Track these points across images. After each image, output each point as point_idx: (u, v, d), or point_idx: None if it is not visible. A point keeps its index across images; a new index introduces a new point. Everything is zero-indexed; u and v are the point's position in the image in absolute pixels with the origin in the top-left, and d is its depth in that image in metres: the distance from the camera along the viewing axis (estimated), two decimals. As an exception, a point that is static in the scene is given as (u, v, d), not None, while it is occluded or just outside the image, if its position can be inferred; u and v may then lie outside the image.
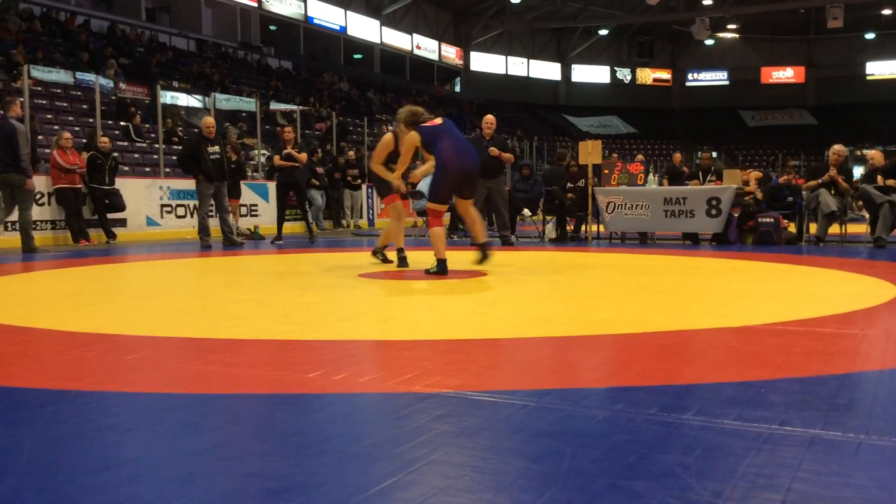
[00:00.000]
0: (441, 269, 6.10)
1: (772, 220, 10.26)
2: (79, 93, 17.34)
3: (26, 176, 9.49)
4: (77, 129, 15.06)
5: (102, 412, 2.31)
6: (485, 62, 45.19)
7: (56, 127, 14.75)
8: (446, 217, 13.61)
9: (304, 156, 11.55)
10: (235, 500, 1.61)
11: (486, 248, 6.61)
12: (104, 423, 2.18)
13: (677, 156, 16.45)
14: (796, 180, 14.13)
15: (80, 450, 1.95)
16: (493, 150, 10.08)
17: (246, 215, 14.70)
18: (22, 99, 11.03)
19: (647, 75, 48.88)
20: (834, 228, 10.52)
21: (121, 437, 2.06)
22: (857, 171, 16.43)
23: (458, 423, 2.15)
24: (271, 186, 14.19)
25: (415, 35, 40.46)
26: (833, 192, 10.11)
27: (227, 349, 3.25)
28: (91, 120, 14.74)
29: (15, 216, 10.07)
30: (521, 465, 1.83)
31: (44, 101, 16.22)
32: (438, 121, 6.49)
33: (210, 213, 11.17)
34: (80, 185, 11.57)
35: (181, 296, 5.29)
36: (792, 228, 10.97)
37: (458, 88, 44.49)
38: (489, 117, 10.47)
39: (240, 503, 1.60)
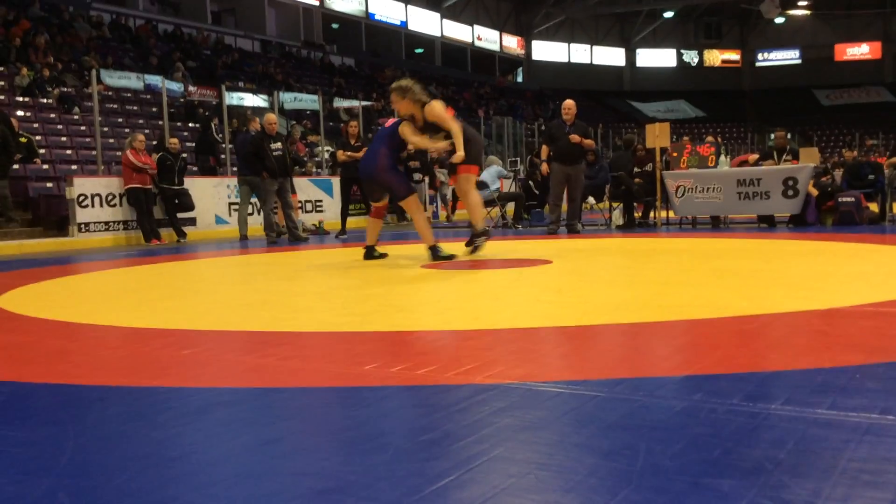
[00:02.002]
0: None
1: (853, 199, 9.78)
2: (148, 96, 17.71)
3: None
4: (147, 131, 15.36)
5: (151, 408, 2.23)
6: (547, 51, 44.74)
7: (127, 130, 15.08)
8: (510, 207, 13.46)
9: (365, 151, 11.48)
10: (283, 501, 1.49)
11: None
12: (152, 420, 2.09)
13: (710, 139, 15.91)
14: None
15: (124, 448, 1.86)
16: (574, 137, 9.91)
17: (311, 211, 14.77)
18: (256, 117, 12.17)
19: (715, 57, 47.67)
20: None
21: (167, 434, 1.97)
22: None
23: (521, 417, 1.99)
24: (335, 182, 14.22)
25: (475, 26, 40.30)
26: (919, 167, 9.58)
27: (284, 342, 3.16)
28: (160, 122, 15.02)
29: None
30: (591, 461, 1.66)
31: (115, 106, 16.61)
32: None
33: (273, 209, 11.24)
34: (150, 186, 11.78)
35: (243, 290, 5.26)
36: (874, 208, 10.45)
37: (520, 78, 44.13)
38: (568, 102, 10.27)
39: (286, 504, 1.48)
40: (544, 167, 10.54)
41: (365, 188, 6.80)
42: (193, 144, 15.76)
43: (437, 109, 6.27)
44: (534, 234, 10.62)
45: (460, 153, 6.16)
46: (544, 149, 10.56)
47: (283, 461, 1.74)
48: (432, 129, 6.36)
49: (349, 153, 11.41)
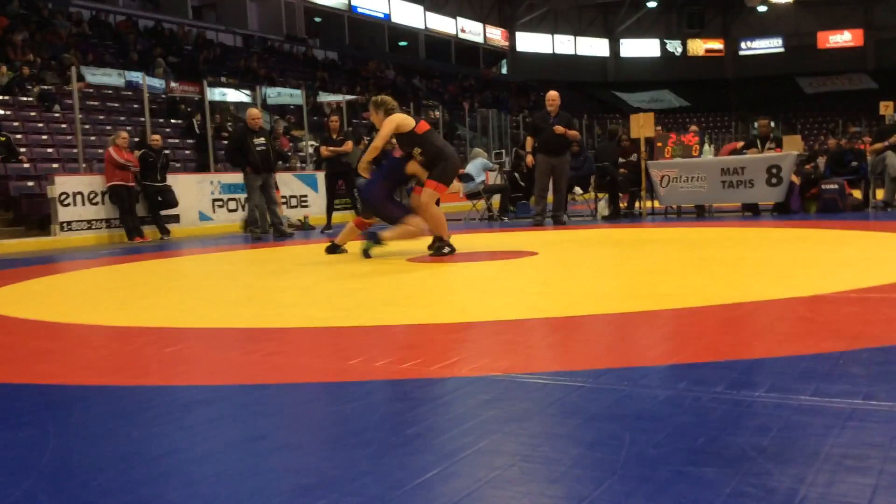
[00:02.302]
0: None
1: (836, 186, 9.83)
2: (129, 93, 17.56)
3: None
4: (129, 128, 15.24)
5: (134, 407, 2.21)
6: (531, 42, 44.66)
7: (109, 127, 14.95)
8: (495, 199, 13.44)
9: (349, 145, 11.49)
10: (266, 499, 1.48)
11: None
12: (134, 419, 2.08)
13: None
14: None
15: (106, 447, 1.84)
16: (559, 129, 9.88)
17: (296, 206, 14.70)
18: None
19: (698, 46, 47.74)
20: (903, 192, 10.03)
21: (150, 432, 1.95)
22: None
23: (506, 408, 1.99)
24: (320, 177, 14.15)
25: (459, 18, 40.17)
26: (901, 154, 9.63)
27: (268, 338, 3.15)
28: (142, 119, 14.91)
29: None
30: (576, 452, 1.66)
31: (96, 103, 16.46)
32: None
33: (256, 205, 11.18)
34: (133, 183, 11.68)
35: (228, 287, 5.23)
36: (857, 194, 10.51)
37: (504, 70, 44.06)
38: (552, 93, 10.24)
39: (270, 501, 1.47)
40: (529, 159, 10.52)
41: (361, 207, 6.97)
42: (192, 141, 15.66)
43: (387, 121, 6.34)
44: (519, 225, 10.61)
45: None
46: (529, 140, 10.53)
47: (267, 458, 1.73)
48: (408, 142, 6.43)
49: (332, 148, 11.39)
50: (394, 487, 1.50)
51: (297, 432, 1.94)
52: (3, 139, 11.47)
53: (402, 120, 6.35)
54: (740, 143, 11.80)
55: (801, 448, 1.61)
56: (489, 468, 1.59)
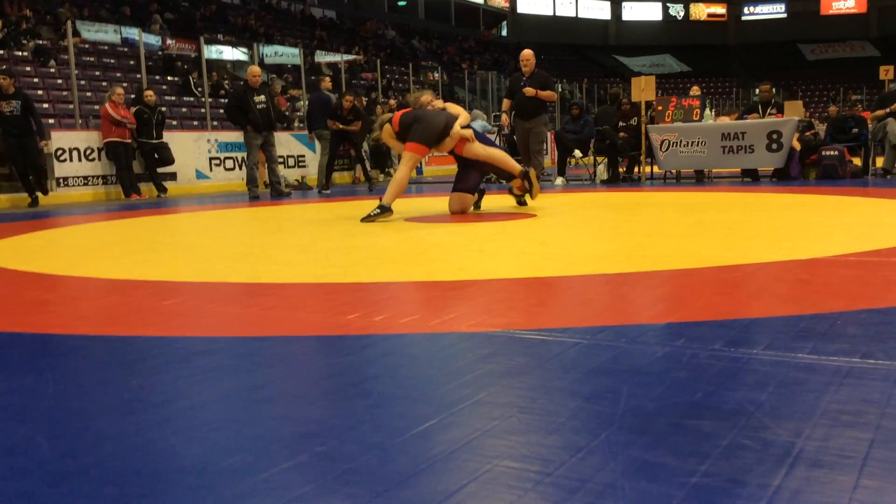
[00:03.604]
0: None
1: (836, 152, 9.80)
2: (125, 49, 17.37)
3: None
4: (125, 85, 15.11)
5: (132, 357, 2.21)
6: (532, 3, 44.18)
7: (104, 84, 14.82)
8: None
9: (357, 125, 11.62)
10: (264, 444, 1.48)
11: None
12: (133, 368, 2.08)
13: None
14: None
15: (105, 395, 1.85)
16: (529, 90, 9.42)
17: (293, 166, 14.64)
18: (329, 75, 12.63)
19: (701, 10, 47.29)
20: (903, 160, 10.01)
21: (148, 381, 1.95)
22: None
23: (504, 363, 1.99)
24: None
25: (459, -22, 39.68)
26: (902, 121, 9.59)
27: (266, 293, 3.14)
28: (138, 76, 14.77)
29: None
30: (573, 404, 1.66)
31: (91, 59, 16.29)
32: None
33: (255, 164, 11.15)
34: (129, 140, 11.61)
35: (225, 244, 5.22)
36: (857, 161, 10.48)
37: (504, 32, 43.62)
38: (526, 52, 9.72)
39: (269, 447, 1.47)
40: (503, 118, 10.38)
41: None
42: (191, 99, 15.47)
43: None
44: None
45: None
46: (505, 102, 10.18)
47: (265, 406, 1.73)
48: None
49: (341, 126, 11.56)
50: (392, 436, 1.50)
51: (295, 383, 1.94)
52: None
53: (386, 136, 6.60)
54: (724, 119, 11.74)
55: (799, 403, 1.62)
56: (487, 419, 1.59)
